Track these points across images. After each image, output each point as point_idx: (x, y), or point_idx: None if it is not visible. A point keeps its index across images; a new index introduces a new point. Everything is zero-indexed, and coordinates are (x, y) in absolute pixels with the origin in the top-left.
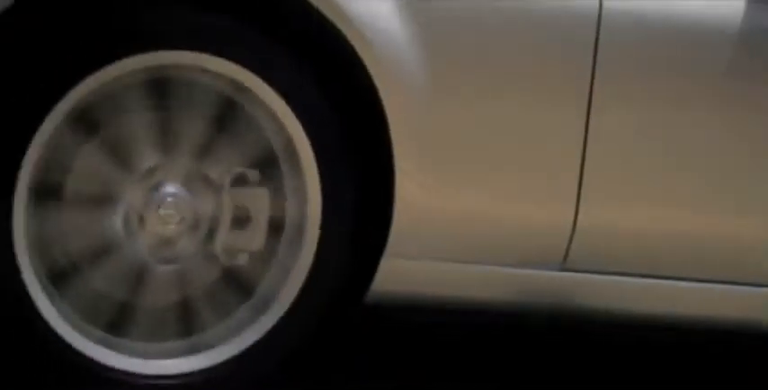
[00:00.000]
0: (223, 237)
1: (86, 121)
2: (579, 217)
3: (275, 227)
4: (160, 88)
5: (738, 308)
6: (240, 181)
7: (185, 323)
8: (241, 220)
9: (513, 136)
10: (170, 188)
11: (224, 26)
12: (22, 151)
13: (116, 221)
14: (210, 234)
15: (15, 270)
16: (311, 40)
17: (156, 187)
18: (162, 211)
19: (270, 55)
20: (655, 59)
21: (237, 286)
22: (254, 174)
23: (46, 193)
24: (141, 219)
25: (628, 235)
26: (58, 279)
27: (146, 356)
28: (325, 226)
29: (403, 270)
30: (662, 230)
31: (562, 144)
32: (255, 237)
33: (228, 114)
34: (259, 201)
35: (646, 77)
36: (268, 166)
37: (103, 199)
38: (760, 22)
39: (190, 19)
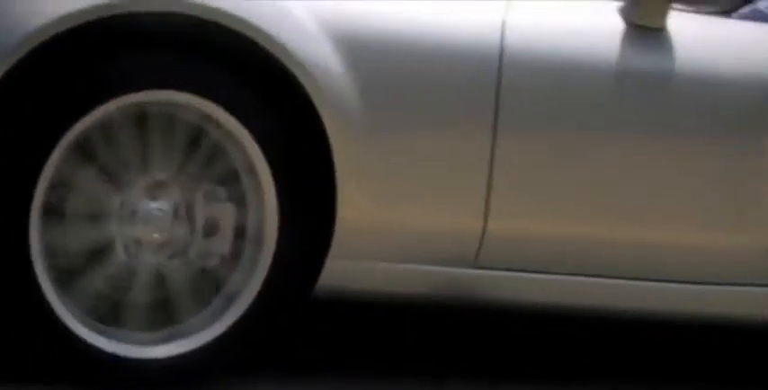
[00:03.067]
0: (197, 244)
1: (84, 151)
2: (487, 224)
3: (240, 234)
4: (142, 121)
5: (631, 300)
6: (210, 196)
7: (167, 316)
8: (211, 229)
9: (432, 158)
10: (153, 204)
11: (195, 68)
12: (35, 178)
13: (109, 232)
14: (186, 241)
15: (31, 273)
16: (270, 80)
17: (142, 203)
18: (146, 223)
19: (234, 92)
20: (551, 92)
21: (209, 284)
22: (221, 191)
23: (53, 210)
24: (130, 230)
25: (530, 238)
26: (64, 279)
27: (134, 343)
28: (281, 232)
29: (345, 270)
30: (560, 233)
31: (472, 165)
32: (224, 243)
33: (200, 141)
34: (226, 213)
35: (543, 108)
36: (233, 183)
37: (99, 214)
38: (643, 62)
39: (167, 62)
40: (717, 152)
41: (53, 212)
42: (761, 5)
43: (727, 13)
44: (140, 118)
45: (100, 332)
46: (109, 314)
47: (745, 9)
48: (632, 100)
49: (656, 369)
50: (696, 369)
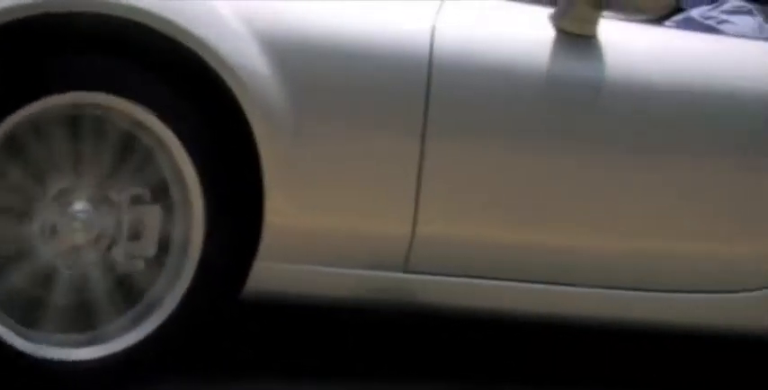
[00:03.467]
0: (122, 247)
1: (12, 150)
2: (416, 228)
3: (166, 238)
4: (75, 122)
5: (557, 305)
6: (136, 199)
7: (89, 318)
8: (137, 233)
9: (361, 162)
10: (78, 205)
11: (128, 72)
12: None
13: (32, 231)
14: (112, 244)
15: None
16: (198, 84)
17: (67, 204)
18: (71, 225)
19: (163, 96)
20: (481, 97)
21: (134, 287)
22: (147, 194)
23: None
24: (53, 231)
25: (459, 243)
26: None
27: (54, 345)
28: (207, 236)
29: (273, 273)
30: (488, 238)
31: (401, 169)
32: (149, 247)
33: (129, 145)
34: (152, 216)
35: (472, 113)
36: (160, 187)
37: (22, 212)
38: (572, 69)
39: (93, 64)
40: (644, 158)
41: None
42: (693, 14)
43: (659, 21)
44: (74, 120)
45: (19, 334)
46: (29, 316)
47: (678, 17)
48: (561, 106)
49: (640, 378)
50: (693, 372)
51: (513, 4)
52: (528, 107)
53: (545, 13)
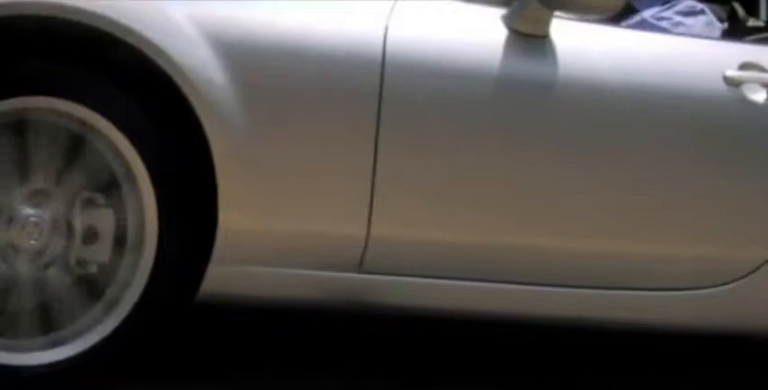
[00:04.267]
0: (76, 251)
1: None
2: (371, 229)
3: (120, 240)
4: (22, 127)
5: (514, 304)
6: (89, 203)
7: (47, 322)
8: (91, 236)
9: (316, 162)
10: (29, 210)
11: (77, 75)
12: None
13: None
14: (65, 248)
15: None
16: (149, 86)
17: (18, 209)
18: (23, 230)
19: (113, 99)
20: (434, 98)
21: (90, 291)
22: (100, 197)
23: None
24: (5, 236)
25: (414, 243)
26: None
27: (13, 349)
28: (161, 239)
29: (228, 275)
30: (443, 238)
31: (355, 170)
32: (103, 250)
33: (79, 148)
34: (105, 220)
35: (425, 114)
36: (112, 190)
37: None
38: (525, 70)
39: (45, 69)
40: (598, 157)
41: None
42: (646, 15)
43: (613, 21)
44: (21, 125)
45: None
46: None
47: (633, 19)
48: (514, 106)
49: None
50: (694, 372)
51: (465, 4)
52: (481, 107)
53: (497, 13)
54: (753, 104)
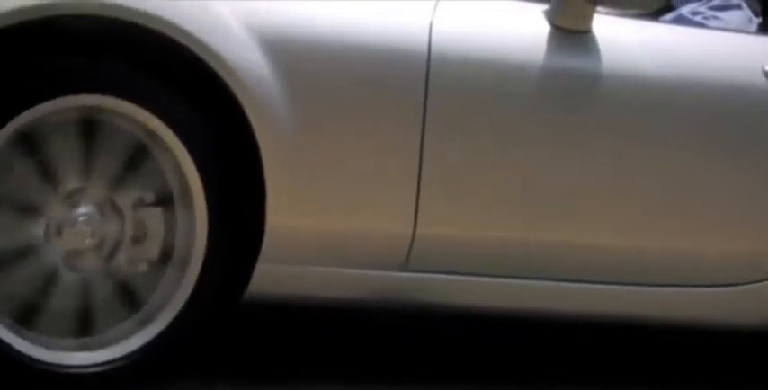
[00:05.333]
0: (127, 249)
1: (27, 144)
2: (417, 227)
3: (170, 242)
4: (87, 126)
5: (561, 301)
6: (140, 203)
7: (93, 322)
8: (140, 236)
9: (363, 161)
10: (84, 208)
11: (121, 72)
12: None
13: (38, 230)
14: (116, 246)
15: None
16: (197, 84)
17: (74, 206)
18: (77, 227)
19: (163, 97)
20: (479, 95)
21: (137, 291)
22: (150, 197)
23: None
24: (59, 232)
25: (460, 241)
26: None
27: (56, 348)
28: (210, 239)
29: (276, 275)
30: (489, 236)
31: (401, 169)
32: (152, 249)
33: (138, 151)
34: (155, 219)
35: (471, 111)
36: (164, 190)
37: (28, 209)
38: (569, 65)
39: (116, 70)
40: (645, 155)
41: None
42: (684, 11)
43: (652, 16)
44: (86, 124)
45: (19, 335)
46: (28, 318)
47: (670, 14)
48: (560, 102)
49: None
50: (694, 370)
51: (507, 1)
52: (526, 103)
53: (539, 9)
54: None
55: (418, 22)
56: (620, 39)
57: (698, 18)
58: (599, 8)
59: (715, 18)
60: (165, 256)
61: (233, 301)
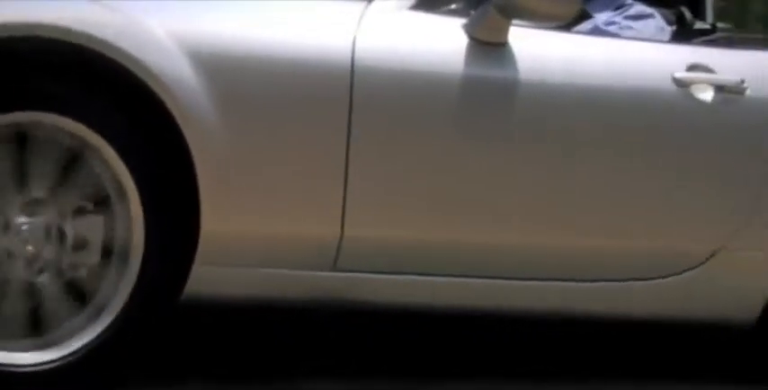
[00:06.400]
0: (67, 255)
1: None
2: (344, 229)
3: (109, 246)
4: (21, 140)
5: (483, 297)
6: (80, 211)
7: (38, 324)
8: (82, 241)
9: (291, 167)
10: (23, 218)
11: (73, 93)
12: None
13: None
14: (58, 253)
15: None
16: (128, 95)
17: (14, 217)
18: (19, 237)
19: (96, 109)
20: (402, 104)
21: (79, 294)
22: (90, 206)
23: None
24: (1, 243)
25: (386, 242)
26: None
27: (3, 349)
28: (147, 243)
29: (210, 276)
30: (413, 236)
31: (328, 175)
32: (92, 255)
33: (72, 160)
34: (95, 226)
35: (394, 119)
36: (103, 199)
37: None
38: (486, 75)
39: (43, 86)
40: (562, 158)
41: None
42: (598, 21)
43: (566, 28)
44: (20, 138)
45: None
46: None
47: (585, 26)
48: (477, 109)
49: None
50: (693, 368)
51: (427, 15)
52: (445, 110)
53: (458, 22)
54: (701, 103)
55: (342, 37)
56: (534, 50)
57: (613, 28)
58: (514, 21)
59: (629, 27)
60: (107, 255)
61: (171, 301)
